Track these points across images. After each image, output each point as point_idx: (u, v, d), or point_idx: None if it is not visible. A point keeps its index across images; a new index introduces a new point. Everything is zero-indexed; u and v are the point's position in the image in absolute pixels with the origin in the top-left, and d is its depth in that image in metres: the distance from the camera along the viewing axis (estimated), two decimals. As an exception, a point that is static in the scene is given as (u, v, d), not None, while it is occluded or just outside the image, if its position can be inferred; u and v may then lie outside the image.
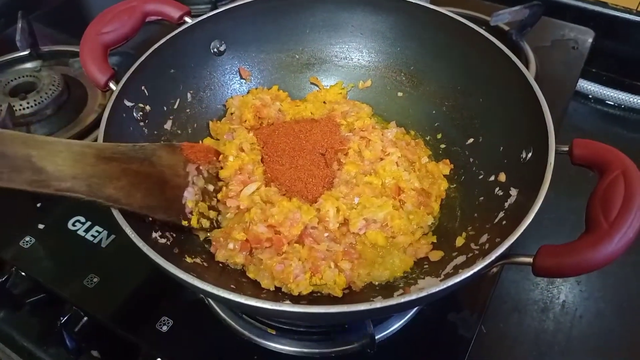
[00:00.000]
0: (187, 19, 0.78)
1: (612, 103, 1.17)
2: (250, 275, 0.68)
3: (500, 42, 0.72)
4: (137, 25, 0.75)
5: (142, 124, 0.74)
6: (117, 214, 0.56)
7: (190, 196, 0.70)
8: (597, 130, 1.13)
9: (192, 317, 0.72)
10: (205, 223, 0.72)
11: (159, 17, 0.78)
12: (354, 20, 0.87)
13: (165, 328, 0.70)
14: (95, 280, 0.75)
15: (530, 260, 0.52)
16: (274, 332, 0.70)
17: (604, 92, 1.16)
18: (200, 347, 0.69)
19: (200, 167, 0.73)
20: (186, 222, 0.69)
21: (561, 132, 0.99)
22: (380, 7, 0.85)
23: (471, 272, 0.51)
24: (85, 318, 0.73)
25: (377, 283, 0.68)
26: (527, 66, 1.06)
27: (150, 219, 0.64)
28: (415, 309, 0.72)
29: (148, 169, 0.64)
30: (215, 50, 0.84)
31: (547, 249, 0.52)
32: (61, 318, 0.72)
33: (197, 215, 0.70)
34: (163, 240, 0.64)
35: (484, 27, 1.09)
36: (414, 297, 0.49)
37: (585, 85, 1.17)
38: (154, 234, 0.64)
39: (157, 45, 0.75)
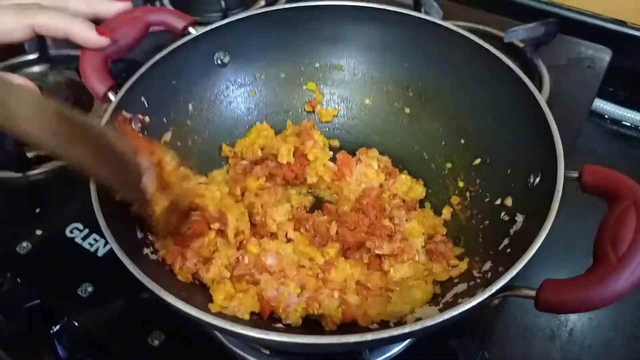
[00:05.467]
0: (191, 29, 0.76)
1: (629, 124, 1.13)
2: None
3: (513, 59, 0.69)
4: (140, 35, 0.73)
5: (140, 135, 0.72)
6: (105, 229, 0.55)
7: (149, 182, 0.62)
8: (612, 152, 1.10)
9: (184, 332, 0.70)
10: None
11: (163, 28, 0.76)
12: (361, 33, 0.85)
13: (156, 342, 0.69)
14: (89, 289, 0.74)
15: (533, 294, 0.50)
16: (267, 352, 0.68)
17: (621, 112, 1.12)
18: (192, 364, 0.67)
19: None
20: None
21: (575, 153, 0.96)
22: (389, 22, 0.83)
23: (470, 305, 0.48)
24: (79, 328, 0.72)
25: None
26: (541, 85, 1.04)
27: (143, 234, 0.62)
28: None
29: (105, 143, 0.58)
30: (219, 61, 0.83)
31: (551, 283, 0.50)
32: (53, 327, 0.72)
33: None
34: (155, 257, 0.63)
35: (498, 43, 1.08)
36: (407, 330, 0.47)
37: (601, 105, 1.14)
38: (146, 250, 0.62)
39: (159, 56, 0.73)
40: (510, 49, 1.11)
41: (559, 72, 1.07)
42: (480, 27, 1.15)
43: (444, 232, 0.75)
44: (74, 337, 0.73)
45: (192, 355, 0.68)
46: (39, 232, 0.81)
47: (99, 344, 0.71)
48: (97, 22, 0.72)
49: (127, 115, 0.69)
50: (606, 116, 1.14)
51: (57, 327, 0.72)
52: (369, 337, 0.46)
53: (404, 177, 0.82)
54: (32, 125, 0.52)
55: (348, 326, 0.63)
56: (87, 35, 0.69)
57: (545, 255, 0.74)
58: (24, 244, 0.79)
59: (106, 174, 0.58)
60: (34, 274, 0.77)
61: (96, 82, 0.68)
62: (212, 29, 0.78)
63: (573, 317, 0.82)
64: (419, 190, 0.81)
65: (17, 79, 0.66)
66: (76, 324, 0.72)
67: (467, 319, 0.71)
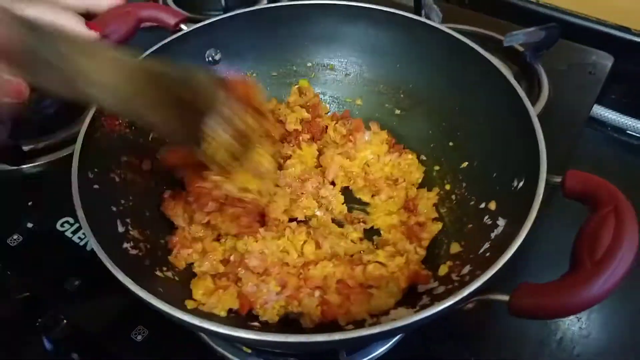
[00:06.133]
0: (183, 26, 0.77)
1: (631, 132, 1.11)
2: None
3: (513, 63, 0.69)
4: (132, 31, 0.74)
5: (128, 130, 0.72)
6: (82, 220, 0.55)
7: (213, 124, 0.57)
8: (613, 161, 1.07)
9: (167, 329, 0.70)
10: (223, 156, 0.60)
11: (155, 24, 0.77)
12: (355, 34, 0.85)
13: (140, 338, 0.69)
14: (76, 283, 0.74)
15: (506, 298, 0.49)
16: (249, 351, 0.68)
17: (623, 120, 1.10)
18: (173, 361, 0.68)
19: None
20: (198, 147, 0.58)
21: (573, 161, 0.94)
22: (384, 23, 0.83)
23: (440, 308, 0.48)
24: (65, 321, 0.72)
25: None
26: (540, 89, 1.02)
27: (125, 228, 0.63)
28: (395, 338, 0.69)
29: (187, 95, 0.55)
30: (210, 59, 0.83)
31: (526, 287, 0.49)
32: (39, 320, 0.72)
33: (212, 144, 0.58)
34: (135, 252, 0.63)
35: (498, 47, 1.07)
36: (377, 330, 0.46)
37: (602, 112, 1.12)
38: (125, 244, 0.62)
39: (149, 51, 0.73)
40: (509, 53, 1.09)
41: (559, 77, 1.06)
42: (480, 30, 1.14)
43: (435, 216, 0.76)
44: (60, 330, 0.72)
45: (175, 352, 0.68)
46: (30, 225, 0.82)
47: (85, 337, 0.71)
48: (90, 17, 0.73)
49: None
50: (607, 124, 1.13)
51: (44, 319, 0.72)
52: (336, 337, 0.46)
53: (411, 157, 0.82)
54: (114, 96, 0.49)
55: (328, 326, 0.63)
56: (76, 29, 0.68)
57: (531, 263, 0.73)
58: (15, 236, 0.80)
59: (172, 126, 0.55)
60: (24, 266, 0.77)
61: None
62: (203, 26, 0.78)
63: (563, 326, 0.81)
64: (416, 176, 0.81)
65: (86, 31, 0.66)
66: (62, 317, 0.72)
67: (453, 323, 0.70)
